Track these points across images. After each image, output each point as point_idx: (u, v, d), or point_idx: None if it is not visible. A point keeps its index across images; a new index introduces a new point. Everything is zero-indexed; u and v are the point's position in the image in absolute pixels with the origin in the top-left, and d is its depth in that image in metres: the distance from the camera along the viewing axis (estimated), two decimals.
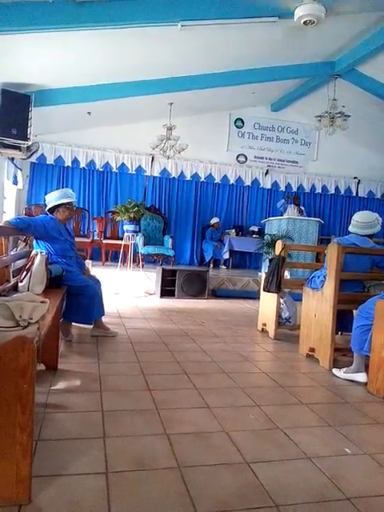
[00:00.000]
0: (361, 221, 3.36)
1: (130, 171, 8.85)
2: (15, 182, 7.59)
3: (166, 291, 6.27)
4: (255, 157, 9.65)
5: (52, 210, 3.53)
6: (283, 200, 8.46)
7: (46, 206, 3.57)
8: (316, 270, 3.74)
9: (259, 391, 2.60)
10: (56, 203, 3.49)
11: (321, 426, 2.14)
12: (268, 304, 4.21)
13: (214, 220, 9.08)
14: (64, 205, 3.51)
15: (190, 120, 8.67)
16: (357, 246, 3.28)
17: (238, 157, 9.55)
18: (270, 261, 4.16)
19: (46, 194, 3.70)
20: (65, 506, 1.39)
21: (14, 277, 2.91)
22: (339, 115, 7.11)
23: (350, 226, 3.43)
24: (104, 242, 7.92)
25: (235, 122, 9.46)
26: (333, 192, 10.06)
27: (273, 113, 9.53)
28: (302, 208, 8.41)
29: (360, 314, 2.91)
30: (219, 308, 5.76)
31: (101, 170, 8.73)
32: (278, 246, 4.14)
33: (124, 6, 4.28)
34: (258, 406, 2.33)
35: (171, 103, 7.59)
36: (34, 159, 7.96)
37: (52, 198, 3.52)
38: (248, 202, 9.77)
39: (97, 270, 5.78)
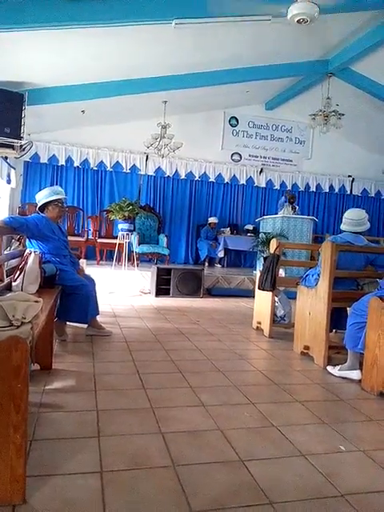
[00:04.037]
0: (354, 218, 3.38)
1: (124, 170, 8.82)
2: (9, 181, 7.53)
3: (161, 290, 6.25)
4: (250, 155, 9.65)
5: (42, 208, 3.51)
6: (284, 197, 8.43)
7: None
8: (310, 268, 3.75)
9: (254, 389, 2.60)
10: (45, 201, 3.48)
11: (315, 424, 2.15)
12: (263, 302, 4.22)
13: (212, 219, 9.07)
14: (53, 202, 3.48)
15: (184, 118, 8.66)
16: (351, 244, 3.30)
17: (232, 155, 9.54)
18: (265, 259, 4.17)
19: None
20: (59, 506, 1.38)
21: (7, 276, 2.89)
22: (333, 113, 7.13)
23: (343, 225, 3.45)
24: (98, 240, 7.89)
25: (230, 121, 9.45)
26: (327, 190, 10.09)
27: (267, 111, 9.53)
28: (296, 207, 8.42)
29: (354, 312, 2.92)
30: (214, 306, 5.77)
31: (95, 168, 8.68)
32: (273, 244, 4.15)
33: (118, 4, 4.25)
34: (252, 404, 2.33)
35: (165, 102, 7.58)
36: (27, 158, 7.90)
37: (41, 197, 3.50)
38: (243, 200, 9.77)
39: (91, 269, 5.77)
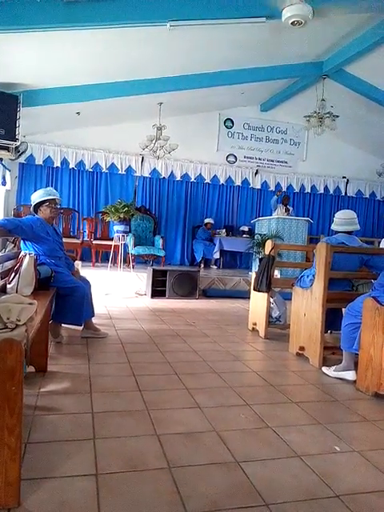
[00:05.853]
0: (346, 217, 3.42)
1: (119, 171, 8.82)
2: (4, 183, 7.52)
3: (157, 291, 6.25)
4: (245, 157, 9.68)
5: (36, 209, 3.51)
6: (275, 196, 8.45)
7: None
8: (305, 269, 3.76)
9: (250, 390, 2.60)
10: (37, 201, 3.47)
11: (311, 424, 2.15)
12: (258, 303, 4.23)
13: (208, 220, 9.08)
14: (45, 202, 3.47)
15: (179, 120, 8.67)
16: (346, 245, 3.31)
17: (227, 157, 9.57)
18: (260, 260, 4.18)
19: None
20: (54, 509, 1.38)
21: (2, 278, 2.89)
22: (328, 115, 7.16)
23: (336, 226, 3.46)
24: (94, 242, 7.87)
25: (225, 122, 9.47)
26: (322, 192, 10.14)
27: (262, 113, 9.57)
28: (290, 208, 8.45)
29: (349, 313, 2.94)
30: (210, 308, 5.77)
31: (90, 170, 8.68)
32: (268, 245, 4.16)
33: (113, 6, 4.25)
34: (248, 405, 2.33)
35: (161, 103, 7.59)
36: (22, 160, 7.89)
37: (35, 198, 3.50)
38: (238, 201, 9.80)
39: (87, 271, 5.74)
